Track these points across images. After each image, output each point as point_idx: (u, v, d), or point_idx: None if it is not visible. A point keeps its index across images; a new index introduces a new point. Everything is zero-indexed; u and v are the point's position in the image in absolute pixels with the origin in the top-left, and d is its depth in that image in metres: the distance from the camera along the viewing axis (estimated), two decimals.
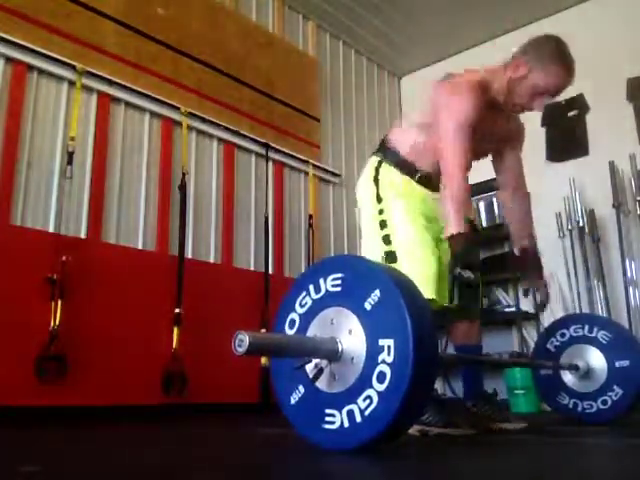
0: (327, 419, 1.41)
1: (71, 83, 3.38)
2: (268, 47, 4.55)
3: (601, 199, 4.33)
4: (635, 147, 4.29)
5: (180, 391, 3.26)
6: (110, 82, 3.53)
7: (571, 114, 4.72)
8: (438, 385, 4.44)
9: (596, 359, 2.48)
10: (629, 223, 4.24)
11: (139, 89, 3.66)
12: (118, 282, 3.23)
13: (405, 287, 1.40)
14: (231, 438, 2.20)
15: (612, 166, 4.26)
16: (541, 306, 2.33)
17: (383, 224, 2.17)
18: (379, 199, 2.19)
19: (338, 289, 1.48)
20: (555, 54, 2.07)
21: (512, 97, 2.11)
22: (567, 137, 4.72)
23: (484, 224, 4.68)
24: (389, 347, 1.32)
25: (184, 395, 3.27)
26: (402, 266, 2.07)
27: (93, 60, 3.46)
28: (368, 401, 1.33)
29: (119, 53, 3.60)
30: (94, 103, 3.50)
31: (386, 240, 2.16)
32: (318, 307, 1.52)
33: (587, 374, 2.49)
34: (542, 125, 4.85)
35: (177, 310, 3.38)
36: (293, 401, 1.51)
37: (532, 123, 4.84)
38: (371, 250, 2.22)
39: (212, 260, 3.90)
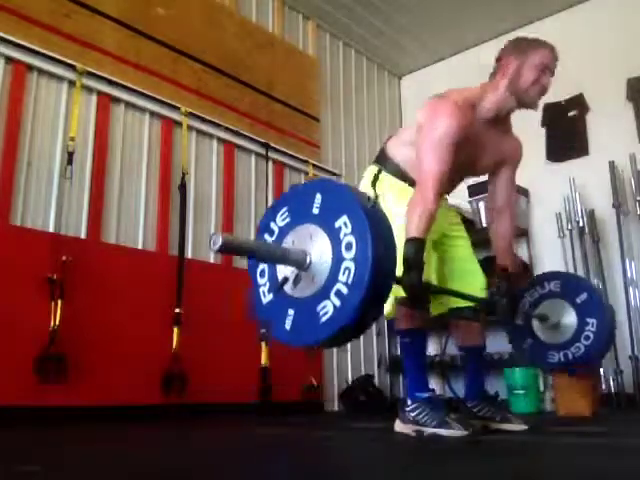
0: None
1: (71, 83, 3.38)
2: (268, 47, 4.55)
3: (601, 199, 4.32)
4: (635, 147, 4.29)
5: (180, 391, 3.26)
6: (110, 82, 3.53)
7: (571, 114, 4.71)
8: (438, 386, 4.45)
9: (567, 314, 2.58)
10: (629, 223, 4.24)
11: (139, 89, 3.65)
12: (118, 282, 3.23)
13: (372, 216, 1.54)
14: (231, 438, 2.20)
15: (612, 166, 4.26)
16: (504, 313, 2.16)
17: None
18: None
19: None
20: (531, 40, 2.21)
21: (520, 89, 2.15)
22: (567, 137, 4.72)
23: (484, 224, 4.68)
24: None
25: (184, 395, 3.27)
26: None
27: (93, 60, 3.46)
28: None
29: (119, 53, 3.60)
30: (94, 103, 3.49)
31: None
32: (296, 222, 1.67)
33: (556, 326, 2.58)
34: (542, 125, 4.84)
35: (177, 310, 3.38)
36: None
37: (532, 123, 4.86)
38: None
39: (212, 260, 3.90)
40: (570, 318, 2.56)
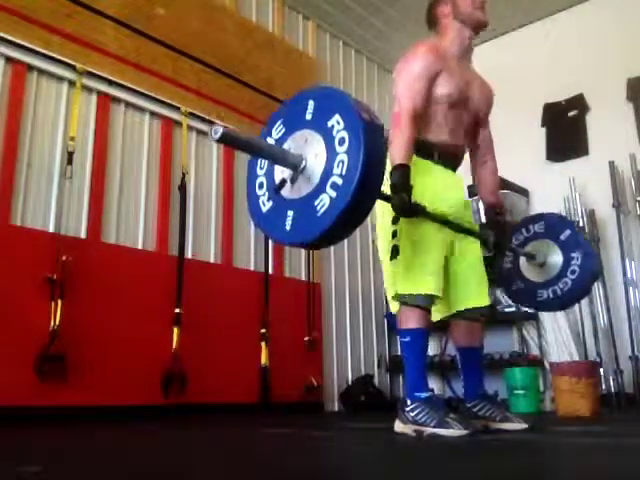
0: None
1: (71, 83, 3.38)
2: (268, 47, 4.55)
3: (601, 199, 4.32)
4: (635, 147, 4.29)
5: (180, 391, 3.26)
6: (110, 82, 3.53)
7: (571, 114, 4.71)
8: (437, 386, 4.45)
9: (553, 252, 2.64)
10: (629, 223, 4.24)
11: (139, 89, 3.66)
12: (118, 282, 3.24)
13: (363, 111, 1.63)
14: (231, 438, 2.20)
15: (612, 166, 4.26)
16: (494, 247, 2.30)
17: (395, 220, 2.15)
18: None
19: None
20: None
21: (466, 14, 2.33)
22: (567, 137, 4.72)
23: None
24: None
25: (184, 395, 3.27)
26: (404, 256, 2.11)
27: (93, 60, 3.46)
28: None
29: (119, 53, 3.60)
30: (94, 103, 3.50)
31: (394, 234, 2.14)
32: (290, 131, 1.76)
33: (543, 265, 2.63)
34: (542, 125, 4.85)
35: (177, 310, 3.38)
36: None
37: (532, 123, 4.87)
38: (381, 244, 2.26)
39: (212, 260, 3.90)
40: (556, 256, 2.63)
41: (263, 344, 3.76)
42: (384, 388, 4.76)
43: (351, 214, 1.60)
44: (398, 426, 2.10)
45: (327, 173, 1.61)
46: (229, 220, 4.06)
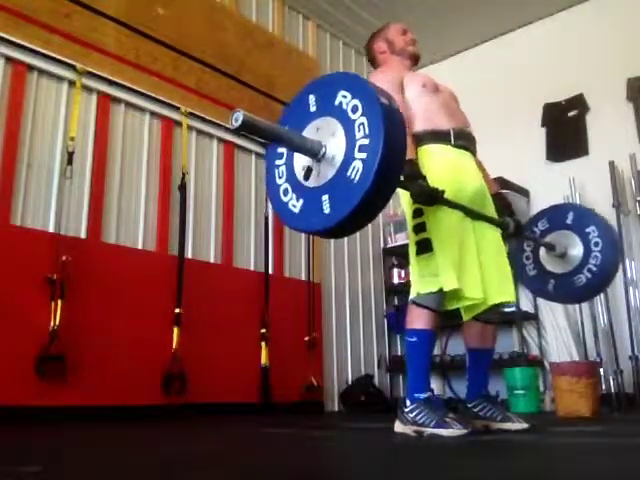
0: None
1: (71, 83, 3.38)
2: (268, 47, 4.55)
3: (601, 199, 4.32)
4: (635, 147, 4.29)
5: (180, 391, 3.26)
6: (110, 82, 3.53)
7: (571, 114, 4.71)
8: (438, 385, 4.45)
9: (569, 238, 2.63)
10: (629, 223, 4.24)
11: (139, 89, 3.66)
12: (118, 282, 3.24)
13: (362, 78, 1.68)
14: (231, 438, 2.20)
15: (612, 166, 4.26)
16: (516, 232, 2.38)
17: (418, 212, 2.17)
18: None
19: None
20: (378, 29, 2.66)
21: (400, 48, 2.54)
22: (567, 137, 4.72)
23: None
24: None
25: (184, 395, 3.27)
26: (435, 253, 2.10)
27: (93, 60, 3.46)
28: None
29: (119, 53, 3.60)
30: (94, 103, 3.50)
31: (420, 228, 2.16)
32: (305, 121, 1.73)
33: (566, 253, 2.61)
34: (542, 125, 4.85)
35: (177, 310, 3.38)
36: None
37: (532, 123, 4.87)
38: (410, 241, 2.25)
39: (212, 260, 3.90)
40: (571, 240, 2.61)
41: (263, 344, 3.76)
42: (384, 388, 4.76)
43: (387, 167, 1.55)
44: (398, 427, 2.11)
45: (351, 142, 1.59)
46: (229, 220, 4.06)
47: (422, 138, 2.25)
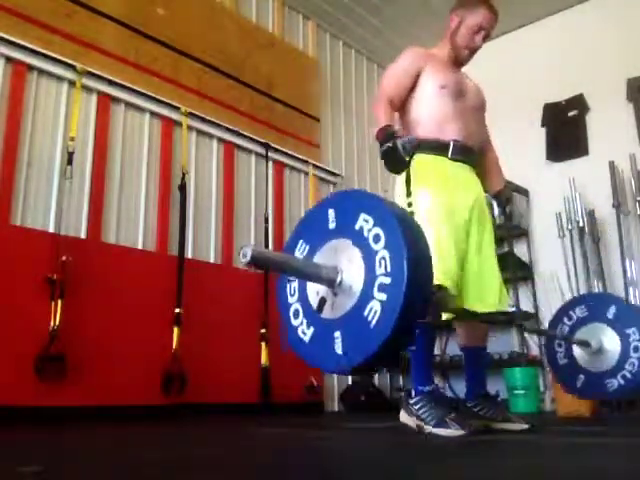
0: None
1: (71, 83, 3.38)
2: (268, 47, 4.55)
3: (601, 199, 4.32)
4: (635, 147, 4.29)
5: (180, 391, 3.26)
6: (110, 82, 3.53)
7: (571, 114, 4.71)
8: (438, 385, 4.44)
9: (606, 334, 2.46)
10: (629, 223, 4.24)
11: (139, 89, 3.66)
12: (118, 282, 3.23)
13: (388, 202, 1.52)
14: (231, 438, 2.20)
15: (612, 166, 4.26)
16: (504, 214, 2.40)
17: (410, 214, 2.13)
18: (409, 193, 2.17)
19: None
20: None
21: (457, 45, 2.41)
22: (567, 137, 4.72)
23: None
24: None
25: (184, 395, 3.27)
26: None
27: (93, 60, 3.46)
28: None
29: (119, 53, 3.60)
30: (94, 103, 3.50)
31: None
32: (316, 246, 1.60)
33: (601, 350, 2.46)
34: (542, 125, 4.85)
35: (177, 310, 3.38)
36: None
37: (532, 123, 4.86)
38: None
39: (212, 260, 3.90)
40: (609, 337, 2.45)
41: (263, 344, 3.76)
42: (384, 388, 4.76)
43: (410, 314, 1.39)
44: (403, 416, 2.14)
45: (370, 276, 1.43)
46: (229, 220, 4.06)
47: (419, 145, 2.16)
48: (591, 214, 4.35)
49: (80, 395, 2.93)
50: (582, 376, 2.53)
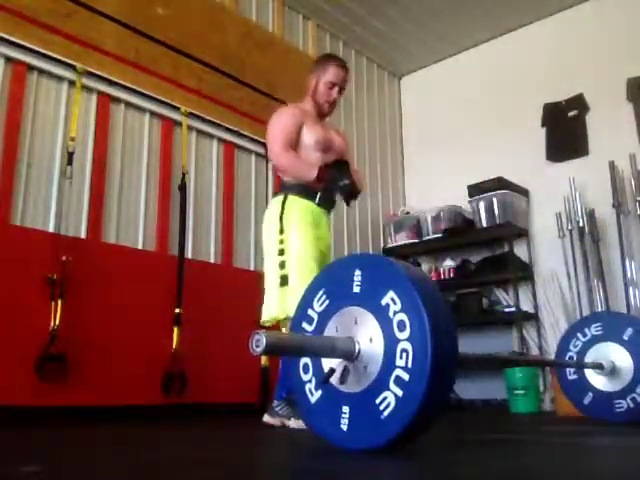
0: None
1: (71, 83, 3.38)
2: (268, 47, 4.55)
3: (601, 199, 4.33)
4: (635, 147, 4.29)
5: (180, 391, 3.26)
6: (110, 82, 3.53)
7: (571, 114, 4.71)
8: None
9: (620, 355, 2.44)
10: (629, 223, 4.24)
11: (139, 89, 3.65)
12: (118, 282, 3.23)
13: (422, 287, 1.38)
14: (231, 438, 2.20)
15: (612, 166, 4.26)
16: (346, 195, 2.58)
17: (281, 252, 2.52)
18: (282, 231, 2.53)
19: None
20: (325, 57, 2.91)
21: (318, 101, 2.77)
22: (567, 137, 4.72)
23: (484, 224, 4.68)
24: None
25: (184, 395, 3.27)
26: (293, 287, 2.41)
27: (93, 60, 3.46)
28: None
29: (119, 53, 3.59)
30: (94, 103, 3.49)
31: (282, 265, 2.50)
32: (336, 306, 1.52)
33: (613, 371, 2.44)
34: (542, 125, 4.85)
35: (177, 310, 3.38)
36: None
37: (532, 123, 4.87)
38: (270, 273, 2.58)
39: (212, 260, 3.90)
40: (622, 358, 2.42)
41: None
42: None
43: (427, 412, 1.31)
44: (266, 418, 2.56)
45: (388, 365, 1.34)
46: (229, 220, 4.06)
47: (293, 187, 2.59)
48: (591, 214, 4.35)
49: (80, 395, 2.93)
50: (590, 393, 2.52)
